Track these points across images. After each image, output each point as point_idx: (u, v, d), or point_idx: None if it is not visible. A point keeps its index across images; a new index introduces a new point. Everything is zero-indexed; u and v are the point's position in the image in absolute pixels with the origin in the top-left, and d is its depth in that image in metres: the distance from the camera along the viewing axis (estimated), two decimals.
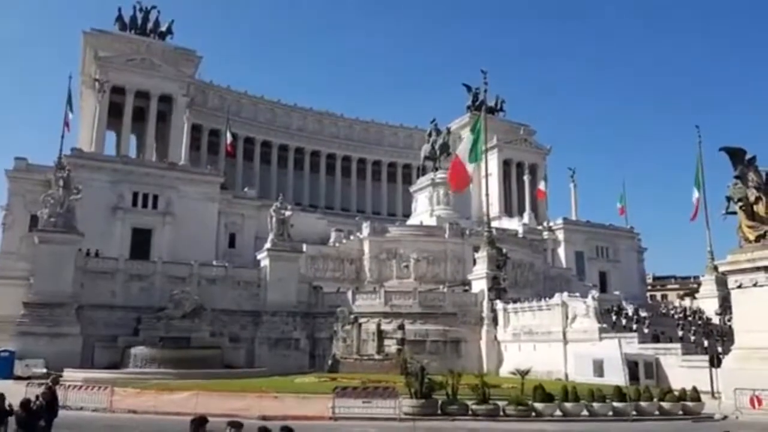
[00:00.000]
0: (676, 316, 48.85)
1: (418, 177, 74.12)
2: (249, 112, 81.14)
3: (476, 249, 49.46)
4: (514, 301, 43.57)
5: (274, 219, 45.90)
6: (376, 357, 39.51)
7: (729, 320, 33.38)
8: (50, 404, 13.29)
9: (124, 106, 66.25)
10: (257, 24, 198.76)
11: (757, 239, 25.23)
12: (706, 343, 35.08)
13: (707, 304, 52.23)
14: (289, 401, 21.63)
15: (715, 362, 27.04)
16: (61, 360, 33.64)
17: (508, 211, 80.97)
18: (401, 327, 41.21)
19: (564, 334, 37.27)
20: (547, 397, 21.84)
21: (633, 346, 32.54)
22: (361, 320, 42.03)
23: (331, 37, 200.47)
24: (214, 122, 74.70)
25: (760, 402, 21.54)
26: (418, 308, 43.71)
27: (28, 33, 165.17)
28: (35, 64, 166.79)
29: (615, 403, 22.05)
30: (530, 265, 58.35)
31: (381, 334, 40.72)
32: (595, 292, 40.90)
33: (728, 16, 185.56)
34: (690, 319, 47.41)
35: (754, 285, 24.88)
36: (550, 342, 37.88)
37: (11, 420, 11.94)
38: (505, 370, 38.84)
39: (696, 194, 56.79)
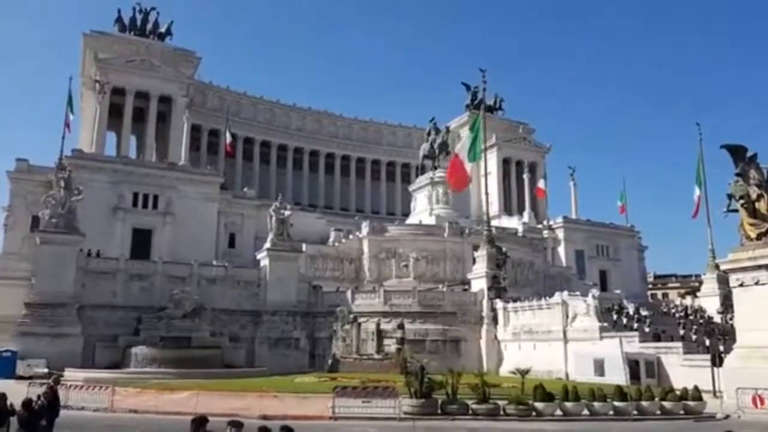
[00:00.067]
0: (677, 315, 48.83)
1: (417, 176, 74.14)
2: (248, 113, 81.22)
3: (476, 248, 49.44)
4: (514, 300, 43.53)
5: (273, 219, 45.91)
6: (376, 356, 39.51)
7: (731, 319, 33.38)
8: (52, 404, 13.29)
9: (124, 107, 66.36)
10: (257, 24, 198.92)
11: (759, 237, 25.19)
12: (707, 342, 35.10)
13: (709, 302, 52.16)
14: (289, 401, 21.61)
15: (717, 361, 26.96)
16: (63, 360, 33.70)
17: (507, 209, 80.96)
18: (401, 326, 41.21)
19: (564, 333, 37.22)
20: (548, 397, 21.78)
21: (634, 345, 32.54)
22: (361, 320, 42.04)
23: (330, 36, 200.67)
24: (214, 122, 74.78)
25: (762, 401, 21.49)
26: (417, 307, 43.67)
27: (29, 35, 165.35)
28: (36, 65, 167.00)
29: (616, 403, 21.97)
30: (530, 263, 58.33)
31: (380, 334, 40.73)
32: (595, 291, 40.86)
33: (728, 16, 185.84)
34: (691, 317, 47.41)
35: (756, 283, 24.83)
36: (551, 341, 37.83)
37: (13, 420, 11.93)
38: (505, 370, 38.81)
39: (697, 192, 56.70)
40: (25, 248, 48.69)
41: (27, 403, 12.12)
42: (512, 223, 71.36)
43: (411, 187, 71.24)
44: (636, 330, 36.31)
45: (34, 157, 55.38)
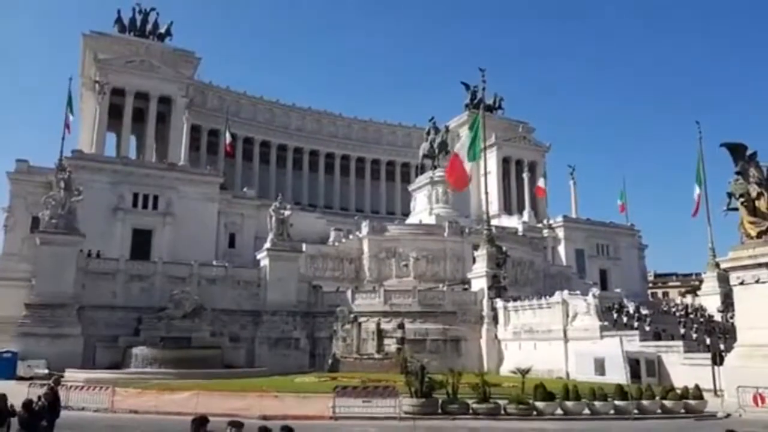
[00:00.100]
0: (677, 314, 48.80)
1: (416, 176, 74.17)
2: (248, 113, 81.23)
3: (476, 247, 49.40)
4: (514, 300, 43.50)
5: (273, 219, 45.90)
6: (376, 356, 39.49)
7: (731, 317, 33.36)
8: (52, 405, 13.28)
9: (123, 107, 66.40)
10: (256, 24, 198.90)
11: (759, 235, 25.19)
12: (708, 340, 35.06)
13: (709, 301, 52.17)
14: (289, 401, 21.60)
15: (718, 360, 26.95)
16: (63, 360, 33.67)
17: (507, 209, 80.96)
18: (401, 326, 41.19)
19: (565, 332, 37.20)
20: (548, 396, 21.75)
21: (634, 344, 32.53)
22: (361, 319, 42.02)
23: (330, 36, 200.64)
24: (214, 123, 74.79)
25: (763, 400, 21.50)
26: (417, 307, 43.65)
27: (29, 35, 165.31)
28: (36, 66, 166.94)
29: (617, 402, 21.95)
30: (530, 263, 58.31)
31: (381, 334, 40.70)
32: (595, 290, 40.85)
33: (728, 16, 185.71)
34: (692, 316, 47.39)
35: (757, 281, 24.84)
36: (551, 340, 37.82)
37: (14, 421, 11.93)
38: (505, 369, 38.79)
39: (697, 190, 56.68)
40: (25, 249, 48.72)
41: (27, 404, 12.12)
42: (512, 222, 71.35)
43: (411, 187, 71.23)
44: (636, 329, 36.28)
45: (34, 158, 55.55)
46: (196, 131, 73.18)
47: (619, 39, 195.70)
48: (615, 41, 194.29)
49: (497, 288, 44.62)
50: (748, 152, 25.87)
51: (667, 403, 22.51)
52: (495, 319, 43.11)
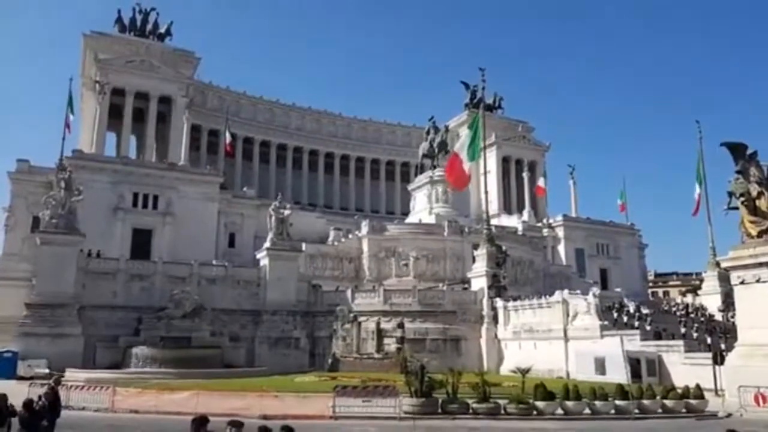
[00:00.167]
0: (678, 313, 48.76)
1: (416, 175, 74.14)
2: (248, 112, 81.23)
3: (475, 247, 49.38)
4: (514, 299, 43.48)
5: (273, 218, 45.90)
6: (376, 356, 39.47)
7: (732, 317, 33.34)
8: (53, 404, 13.30)
9: (124, 107, 66.43)
10: (256, 24, 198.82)
11: (760, 234, 25.18)
12: (709, 340, 35.02)
13: (710, 300, 52.12)
14: (289, 400, 21.58)
15: (719, 359, 26.94)
16: (63, 360, 33.70)
17: (507, 208, 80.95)
18: (401, 325, 41.17)
19: (565, 331, 37.17)
20: (549, 396, 21.72)
21: (635, 343, 32.50)
22: (361, 319, 42.01)
23: (329, 36, 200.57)
24: (214, 122, 74.79)
25: (764, 399, 21.48)
26: (417, 306, 43.63)
27: (29, 35, 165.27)
28: (36, 66, 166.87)
29: (617, 402, 21.91)
30: (530, 262, 58.29)
31: (380, 333, 40.69)
32: (596, 290, 40.82)
33: (728, 16, 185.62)
34: (692, 315, 47.34)
35: (757, 281, 24.82)
36: (551, 340, 37.80)
37: (14, 421, 11.92)
38: (505, 369, 38.78)
39: (697, 190, 56.64)
40: (26, 249, 48.74)
41: (28, 404, 12.13)
42: (512, 221, 71.33)
43: (410, 186, 71.23)
44: (637, 328, 36.24)
45: (34, 158, 55.58)
46: (196, 131, 73.19)
47: (619, 39, 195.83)
48: (615, 41, 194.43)
49: (497, 287, 44.60)
50: (749, 151, 25.87)
51: (668, 402, 22.49)
52: (495, 319, 43.09)
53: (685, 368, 29.30)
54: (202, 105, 75.62)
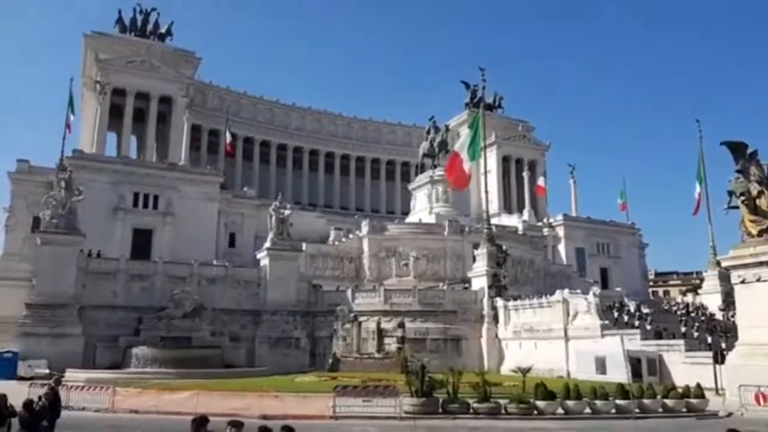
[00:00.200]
0: (678, 312, 48.69)
1: (416, 175, 74.15)
2: (248, 112, 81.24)
3: (476, 246, 49.34)
4: (515, 299, 43.44)
5: (273, 218, 45.89)
6: (377, 355, 39.45)
7: (732, 316, 33.36)
8: (53, 405, 13.27)
9: (124, 107, 66.48)
10: (256, 24, 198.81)
11: (760, 234, 25.17)
12: (709, 339, 34.98)
13: (710, 299, 52.07)
14: (289, 400, 21.57)
15: (719, 358, 26.92)
16: (64, 360, 33.69)
17: (507, 207, 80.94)
18: (401, 325, 41.14)
19: (565, 331, 37.13)
20: (549, 395, 21.70)
21: (635, 342, 32.43)
22: (361, 319, 41.99)
23: (330, 36, 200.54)
24: (214, 122, 74.81)
25: (765, 398, 21.46)
26: (417, 306, 43.61)
27: (30, 35, 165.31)
28: (37, 66, 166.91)
29: (618, 401, 21.89)
30: (530, 261, 58.25)
31: (381, 333, 40.66)
32: (596, 289, 40.79)
33: (728, 16, 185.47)
34: (693, 315, 47.27)
35: (758, 280, 24.81)
36: (552, 339, 37.77)
37: (14, 421, 11.91)
38: (506, 368, 38.74)
39: (698, 189, 56.60)
40: (26, 249, 48.72)
41: (28, 404, 12.11)
42: (512, 221, 71.31)
43: (411, 186, 71.20)
44: (637, 328, 36.19)
45: (35, 158, 55.57)
46: (196, 131, 73.21)
47: (619, 39, 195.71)
48: (615, 41, 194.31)
49: (497, 287, 44.57)
50: (749, 151, 25.86)
51: (669, 402, 22.46)
52: (495, 318, 43.06)
53: (686, 367, 29.26)
54: (203, 105, 75.65)
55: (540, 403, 21.49)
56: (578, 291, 41.61)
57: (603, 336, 34.22)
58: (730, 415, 21.55)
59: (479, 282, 45.44)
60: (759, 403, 21.57)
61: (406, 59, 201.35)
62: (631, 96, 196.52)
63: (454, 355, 40.87)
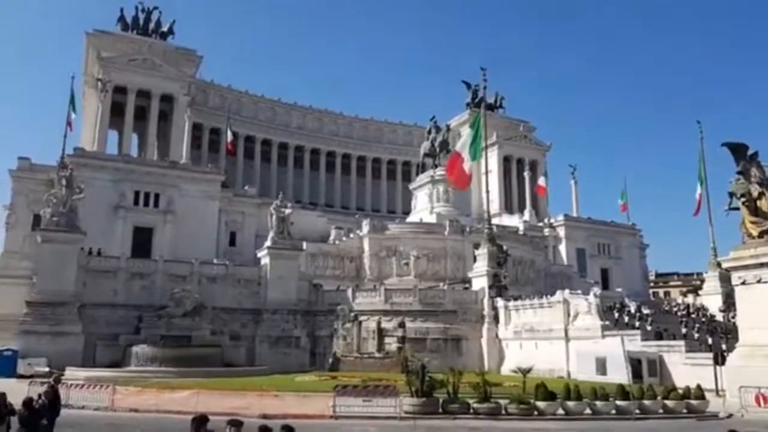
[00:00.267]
0: (679, 313, 48.64)
1: (417, 174, 74.08)
2: (249, 111, 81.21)
3: (476, 246, 49.32)
4: (515, 299, 43.42)
5: (274, 217, 45.87)
6: (377, 355, 39.45)
7: (733, 317, 33.30)
8: (53, 403, 13.25)
9: (126, 105, 66.46)
10: (258, 23, 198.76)
11: (761, 235, 25.14)
12: (710, 340, 34.98)
13: (711, 300, 52.02)
14: (289, 400, 21.54)
15: (720, 360, 26.90)
16: (64, 358, 33.71)
17: (508, 207, 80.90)
18: (401, 325, 41.13)
19: (566, 331, 37.12)
20: (550, 396, 21.67)
21: (636, 343, 32.42)
22: (362, 318, 41.98)
23: (331, 35, 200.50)
24: (215, 121, 74.82)
25: (765, 400, 21.45)
26: (418, 306, 43.59)
27: (32, 34, 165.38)
28: (38, 64, 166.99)
29: (618, 402, 21.87)
30: (531, 262, 58.21)
31: (381, 332, 40.66)
32: (596, 289, 40.77)
33: (728, 16, 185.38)
34: (693, 316, 47.23)
35: (758, 281, 24.79)
36: (552, 340, 37.75)
37: (14, 420, 11.90)
38: (506, 369, 38.73)
39: (699, 190, 56.52)
40: (27, 247, 48.71)
41: (28, 402, 12.10)
42: (513, 221, 71.27)
43: (412, 186, 71.16)
44: (638, 328, 36.17)
45: (36, 156, 55.89)
46: (197, 129, 73.26)
47: (619, 39, 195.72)
48: (615, 41, 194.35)
49: (498, 287, 44.55)
50: (750, 152, 25.85)
51: (669, 403, 22.44)
52: (496, 318, 43.04)
53: (686, 368, 29.25)
54: (204, 103, 75.64)
55: (540, 404, 21.47)
56: (579, 291, 41.58)
57: (603, 337, 34.20)
58: (730, 416, 21.54)
59: (480, 282, 45.42)
60: (759, 405, 21.55)
61: (408, 59, 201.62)
62: (631, 96, 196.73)
63: (454, 355, 40.85)
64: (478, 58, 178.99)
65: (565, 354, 36.45)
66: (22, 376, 31.59)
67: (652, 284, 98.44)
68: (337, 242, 56.21)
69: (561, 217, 72.69)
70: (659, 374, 30.57)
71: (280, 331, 43.07)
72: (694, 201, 57.60)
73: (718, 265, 43.52)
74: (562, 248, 70.61)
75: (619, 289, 62.90)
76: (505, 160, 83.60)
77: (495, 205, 71.45)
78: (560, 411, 21.68)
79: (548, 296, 41.00)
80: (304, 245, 51.43)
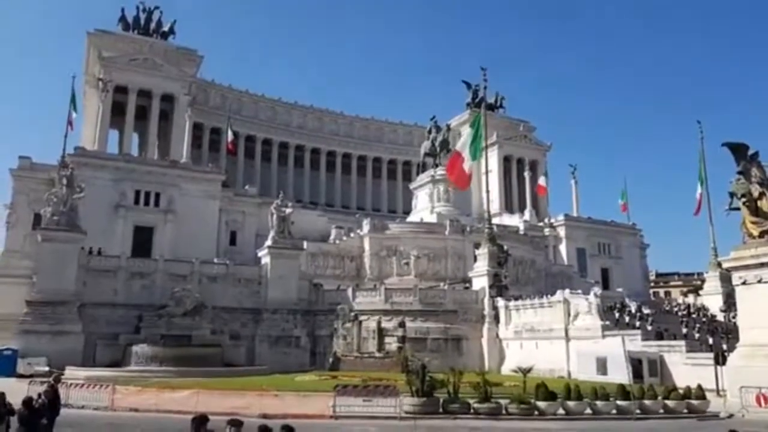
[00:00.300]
0: (679, 313, 48.59)
1: (418, 174, 74.03)
2: (250, 111, 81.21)
3: (477, 246, 49.28)
4: (516, 299, 43.40)
5: (274, 216, 45.85)
6: (377, 355, 39.42)
7: (734, 317, 33.25)
8: (52, 402, 13.24)
9: (126, 105, 66.55)
10: (258, 23, 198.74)
11: (761, 235, 25.12)
12: (710, 340, 34.91)
13: (711, 300, 51.94)
14: (289, 399, 21.51)
15: (720, 360, 26.87)
16: (64, 358, 33.67)
17: (508, 207, 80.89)
18: (402, 324, 41.11)
19: (566, 331, 37.09)
20: (550, 396, 21.65)
21: (636, 343, 32.37)
22: (362, 318, 41.95)
23: (332, 35, 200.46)
24: (216, 120, 74.85)
25: (766, 400, 21.43)
26: (418, 305, 43.55)
27: (33, 33, 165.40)
28: (39, 64, 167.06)
29: (619, 402, 21.86)
30: (531, 261, 58.17)
31: (381, 332, 40.63)
32: (597, 289, 40.75)
33: (728, 16, 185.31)
34: (694, 316, 47.18)
35: (759, 281, 24.77)
36: (552, 339, 37.72)
37: (13, 419, 11.88)
38: (507, 368, 38.68)
39: (699, 190, 56.46)
40: (27, 246, 48.71)
41: (27, 402, 12.09)
42: (513, 221, 71.24)
43: (412, 185, 71.14)
44: (638, 328, 36.12)
45: (36, 155, 55.77)
46: (198, 129, 73.28)
47: (619, 39, 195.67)
48: (615, 41, 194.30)
49: (498, 287, 44.52)
50: (750, 152, 25.82)
51: (670, 403, 22.42)
52: (496, 318, 43.02)
53: (687, 368, 29.22)
54: (205, 103, 75.66)
55: (541, 404, 21.44)
56: (579, 291, 41.55)
57: (604, 336, 34.17)
58: (731, 416, 21.52)
59: (480, 282, 45.40)
60: (760, 405, 21.52)
61: (408, 59, 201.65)
62: (631, 96, 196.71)
63: (454, 354, 40.82)
64: (478, 58, 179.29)
65: (565, 354, 36.42)
66: (22, 375, 31.56)
67: (652, 284, 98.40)
68: (337, 242, 56.19)
69: (561, 217, 72.65)
70: (660, 374, 30.54)
71: (281, 330, 43.05)
72: (694, 201, 57.56)
73: (719, 265, 43.45)
74: (563, 248, 70.59)
75: (620, 289, 62.86)
76: (506, 160, 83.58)
77: (495, 205, 71.44)
78: (561, 411, 21.66)
79: (548, 296, 40.96)
80: (305, 245, 51.41)
